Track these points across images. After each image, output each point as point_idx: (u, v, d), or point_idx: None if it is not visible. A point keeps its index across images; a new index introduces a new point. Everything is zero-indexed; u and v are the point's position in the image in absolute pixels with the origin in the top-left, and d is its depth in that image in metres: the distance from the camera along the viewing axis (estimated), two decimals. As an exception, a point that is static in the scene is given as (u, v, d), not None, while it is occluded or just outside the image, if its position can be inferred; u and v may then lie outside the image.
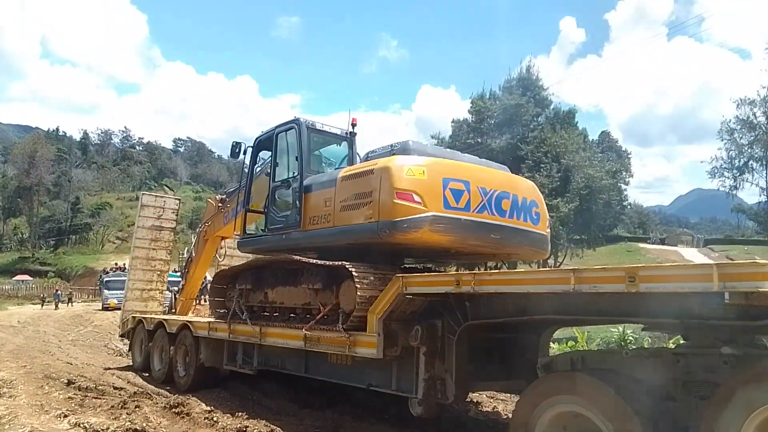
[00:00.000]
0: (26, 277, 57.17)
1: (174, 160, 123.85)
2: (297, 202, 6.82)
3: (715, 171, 33.97)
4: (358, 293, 5.49)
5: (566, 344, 10.48)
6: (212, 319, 8.30)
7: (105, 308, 29.86)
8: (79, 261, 66.82)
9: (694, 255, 55.14)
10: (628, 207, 44.61)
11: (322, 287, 6.25)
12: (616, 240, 58.78)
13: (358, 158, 7.38)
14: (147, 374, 9.87)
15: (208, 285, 10.76)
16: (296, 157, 7.04)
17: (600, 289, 3.68)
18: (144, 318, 10.59)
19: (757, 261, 3.08)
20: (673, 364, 3.85)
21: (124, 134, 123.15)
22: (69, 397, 7.40)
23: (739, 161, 33.33)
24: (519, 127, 32.47)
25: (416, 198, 5.57)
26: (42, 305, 35.60)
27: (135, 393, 7.93)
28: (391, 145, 6.24)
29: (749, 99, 31.54)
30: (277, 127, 7.58)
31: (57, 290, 40.65)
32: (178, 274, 12.65)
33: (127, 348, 12.18)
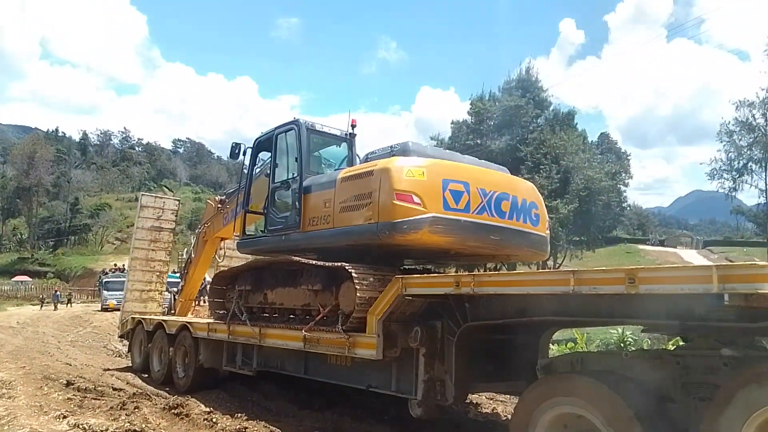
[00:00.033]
0: (25, 277, 57.14)
1: (173, 161, 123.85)
2: (296, 203, 6.82)
3: (715, 173, 34.18)
4: (358, 294, 5.48)
5: (566, 346, 10.48)
6: (212, 320, 8.28)
7: (104, 309, 29.77)
8: (78, 262, 66.85)
9: (693, 256, 55.16)
10: (628, 208, 44.56)
11: (321, 288, 6.24)
12: (616, 241, 58.83)
13: (357, 159, 7.35)
14: (146, 375, 9.86)
15: (208, 286, 10.75)
16: (296, 158, 7.03)
17: (599, 291, 3.68)
18: (143, 319, 10.58)
19: (756, 263, 3.09)
20: (672, 365, 3.85)
21: (124, 135, 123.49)
22: (68, 398, 7.40)
23: (739, 163, 33.46)
24: (518, 129, 32.41)
25: (416, 199, 5.56)
26: (41, 306, 35.53)
27: (134, 394, 7.93)
28: (391, 147, 6.23)
29: (748, 101, 31.71)
30: (276, 128, 7.57)
31: (56, 291, 40.48)
32: (178, 275, 12.66)
33: (127, 349, 12.18)
